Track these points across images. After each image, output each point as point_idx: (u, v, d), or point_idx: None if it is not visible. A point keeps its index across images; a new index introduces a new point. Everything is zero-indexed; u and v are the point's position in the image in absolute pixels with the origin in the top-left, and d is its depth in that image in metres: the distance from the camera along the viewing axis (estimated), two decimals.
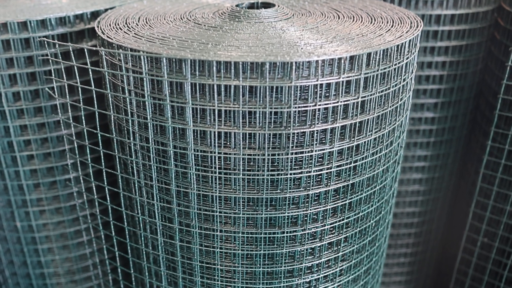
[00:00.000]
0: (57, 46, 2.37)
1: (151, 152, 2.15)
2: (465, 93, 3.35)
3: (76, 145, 2.51)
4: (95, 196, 2.50)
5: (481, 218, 3.19)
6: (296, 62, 1.86)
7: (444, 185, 3.66)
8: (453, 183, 3.73)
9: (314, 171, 2.10)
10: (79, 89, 2.20)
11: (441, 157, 3.52)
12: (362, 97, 2.04)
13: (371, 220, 2.45)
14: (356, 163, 2.19)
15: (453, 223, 3.82)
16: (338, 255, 2.40)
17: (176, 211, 2.25)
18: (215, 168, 2.07)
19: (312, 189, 2.14)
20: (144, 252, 2.52)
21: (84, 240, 3.13)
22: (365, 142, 2.17)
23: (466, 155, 3.62)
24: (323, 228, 2.28)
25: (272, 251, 2.28)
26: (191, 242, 2.30)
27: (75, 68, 2.16)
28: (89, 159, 2.41)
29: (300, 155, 2.06)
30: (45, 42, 2.33)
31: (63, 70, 2.30)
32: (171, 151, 2.10)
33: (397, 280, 3.98)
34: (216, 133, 2.01)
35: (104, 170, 2.35)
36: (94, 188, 2.48)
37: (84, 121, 2.35)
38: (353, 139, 2.12)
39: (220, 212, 2.18)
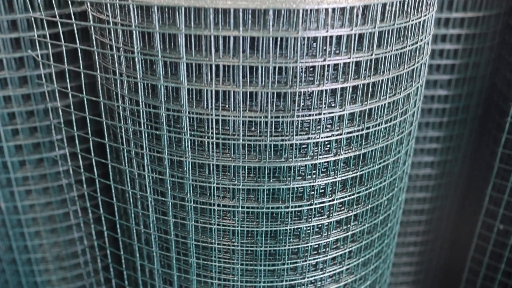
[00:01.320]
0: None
1: (141, 117, 1.95)
2: (481, 70, 3.14)
3: (62, 120, 2.30)
4: (82, 170, 2.30)
5: (497, 202, 2.98)
6: (303, 10, 1.66)
7: (457, 169, 3.45)
8: (466, 167, 3.51)
9: (322, 137, 1.90)
10: (65, 55, 2.01)
11: (455, 138, 3.31)
12: (376, 55, 1.84)
13: (384, 197, 2.24)
14: (368, 130, 1.99)
15: (466, 210, 3.61)
16: (347, 234, 2.19)
17: (169, 184, 2.04)
18: (212, 133, 1.87)
19: (319, 158, 1.94)
20: (135, 231, 2.31)
21: (73, 223, 2.92)
22: (378, 106, 1.97)
23: (481, 136, 3.41)
24: (331, 203, 2.07)
25: (275, 229, 2.07)
26: (185, 218, 2.10)
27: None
28: (75, 132, 2.20)
29: (306, 118, 1.85)
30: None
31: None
32: (164, 114, 1.89)
33: (406, 271, 3.76)
34: (213, 93, 1.80)
35: (90, 139, 2.14)
36: (82, 165, 2.28)
37: (70, 92, 2.14)
38: (365, 102, 1.92)
39: (217, 184, 1.98)
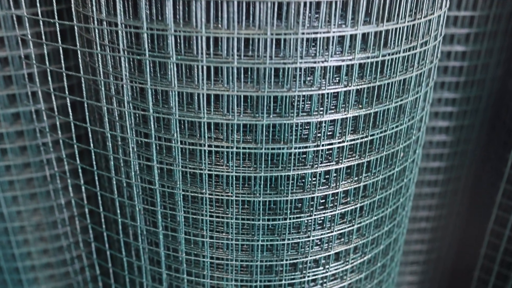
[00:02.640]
0: None
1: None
2: (490, 72, 3.00)
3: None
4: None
5: None
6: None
7: (466, 164, 3.29)
8: (475, 164, 3.36)
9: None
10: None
11: (462, 143, 3.17)
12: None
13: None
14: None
15: (476, 208, 3.45)
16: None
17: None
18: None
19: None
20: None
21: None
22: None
23: (489, 139, 3.26)
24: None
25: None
26: (175, 209, 1.94)
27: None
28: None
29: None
30: None
31: None
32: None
33: (413, 270, 3.61)
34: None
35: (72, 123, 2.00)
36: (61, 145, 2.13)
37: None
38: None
39: (209, 170, 1.80)
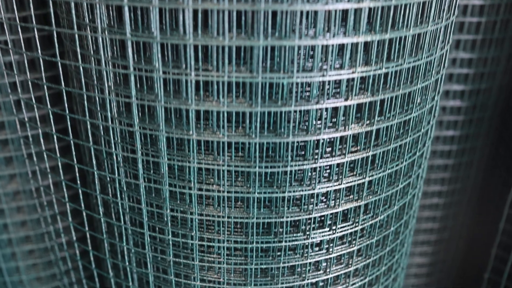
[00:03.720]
0: None
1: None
2: (497, 80, 2.87)
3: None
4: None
5: None
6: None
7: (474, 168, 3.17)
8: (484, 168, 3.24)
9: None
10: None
11: (467, 153, 3.04)
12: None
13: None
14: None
15: (483, 214, 3.32)
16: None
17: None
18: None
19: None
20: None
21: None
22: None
23: (498, 143, 3.13)
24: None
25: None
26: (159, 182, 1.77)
27: None
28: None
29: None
30: None
31: None
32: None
33: (418, 273, 3.47)
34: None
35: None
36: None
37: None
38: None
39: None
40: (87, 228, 2.05)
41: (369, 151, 1.70)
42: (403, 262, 2.30)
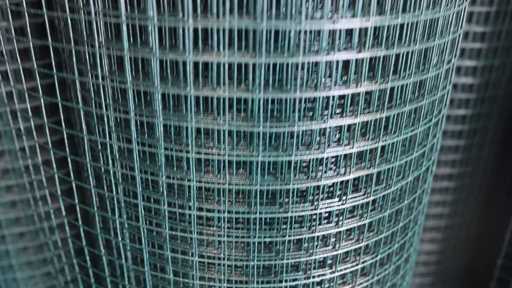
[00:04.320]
0: None
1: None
2: (502, 89, 2.78)
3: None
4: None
5: None
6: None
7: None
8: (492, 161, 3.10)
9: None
10: None
11: (472, 161, 2.92)
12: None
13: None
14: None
15: (493, 207, 3.19)
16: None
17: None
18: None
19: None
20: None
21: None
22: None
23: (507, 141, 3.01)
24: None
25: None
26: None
27: None
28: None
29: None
30: None
31: None
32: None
33: (424, 271, 3.33)
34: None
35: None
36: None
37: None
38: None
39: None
40: (76, 200, 1.91)
41: (383, 113, 1.56)
42: (416, 242, 2.16)
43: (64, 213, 2.04)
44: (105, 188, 1.82)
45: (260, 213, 1.61)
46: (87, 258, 2.02)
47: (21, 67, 1.81)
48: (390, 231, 1.87)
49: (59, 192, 1.97)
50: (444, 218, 3.13)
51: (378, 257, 1.88)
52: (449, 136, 2.89)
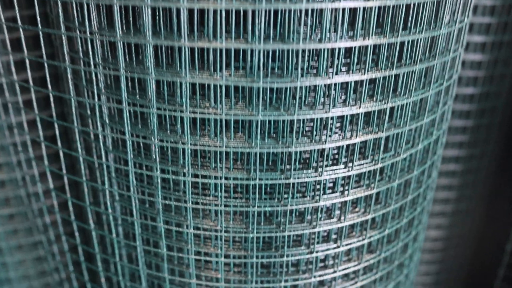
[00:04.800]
0: None
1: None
2: (506, 83, 2.67)
3: None
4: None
5: None
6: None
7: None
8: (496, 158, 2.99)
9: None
10: None
11: (477, 158, 2.81)
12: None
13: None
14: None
15: (497, 205, 3.08)
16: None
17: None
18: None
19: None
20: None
21: None
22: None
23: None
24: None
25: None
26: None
27: None
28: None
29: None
30: None
31: None
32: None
33: (426, 270, 3.23)
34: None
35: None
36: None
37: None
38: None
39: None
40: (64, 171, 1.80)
41: (392, 71, 1.45)
42: (424, 220, 2.05)
43: (51, 184, 1.93)
44: (95, 157, 1.71)
45: (260, 179, 1.49)
46: (76, 234, 1.91)
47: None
48: (398, 204, 1.75)
49: (46, 162, 1.86)
50: (451, 203, 3.02)
51: (386, 232, 1.77)
52: (456, 116, 2.78)
